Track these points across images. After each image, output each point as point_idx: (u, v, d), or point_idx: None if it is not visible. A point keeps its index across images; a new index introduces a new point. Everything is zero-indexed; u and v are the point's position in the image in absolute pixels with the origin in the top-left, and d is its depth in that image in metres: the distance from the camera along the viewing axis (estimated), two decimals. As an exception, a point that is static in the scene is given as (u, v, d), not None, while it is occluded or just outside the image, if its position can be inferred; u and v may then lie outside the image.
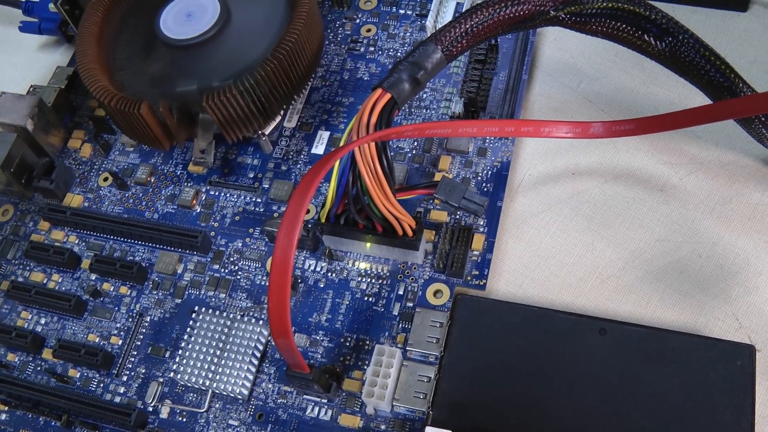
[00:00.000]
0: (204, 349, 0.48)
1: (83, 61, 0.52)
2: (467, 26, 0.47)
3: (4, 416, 0.51)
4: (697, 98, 0.49)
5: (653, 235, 0.51)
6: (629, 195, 0.53)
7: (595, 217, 0.52)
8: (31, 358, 0.53)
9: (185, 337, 0.49)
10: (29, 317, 0.54)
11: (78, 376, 0.51)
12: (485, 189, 0.52)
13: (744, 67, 0.53)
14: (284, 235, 0.38)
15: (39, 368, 0.52)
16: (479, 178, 0.53)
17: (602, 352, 0.45)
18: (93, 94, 0.51)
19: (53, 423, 0.50)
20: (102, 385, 0.51)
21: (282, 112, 0.55)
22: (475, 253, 0.50)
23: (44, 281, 0.55)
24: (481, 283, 0.49)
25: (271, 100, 0.51)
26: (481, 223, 0.51)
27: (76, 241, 0.56)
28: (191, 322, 0.50)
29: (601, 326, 0.46)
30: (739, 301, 0.48)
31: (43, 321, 0.54)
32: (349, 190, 0.45)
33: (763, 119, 0.47)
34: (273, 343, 0.49)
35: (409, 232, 0.47)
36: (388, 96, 0.45)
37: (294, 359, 0.43)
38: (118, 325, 0.52)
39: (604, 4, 0.47)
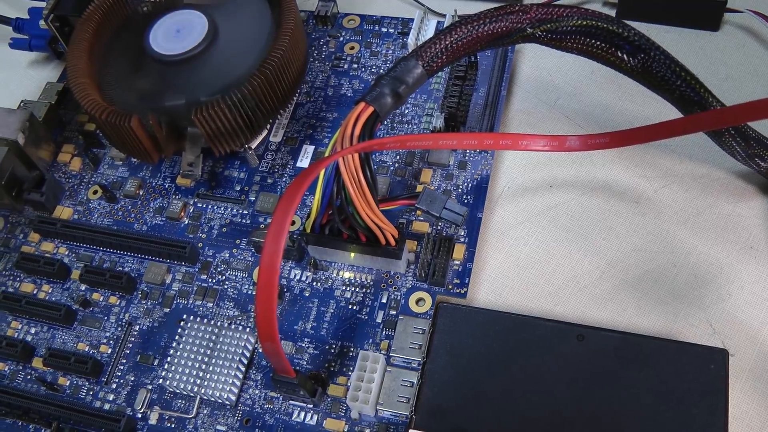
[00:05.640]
0: (192, 356, 0.49)
1: (74, 76, 0.53)
2: (447, 42, 0.48)
3: (-6, 425, 0.52)
4: (671, 113, 0.51)
5: (629, 246, 0.53)
6: (605, 207, 0.54)
7: (573, 228, 0.54)
8: (21, 368, 0.53)
9: (174, 344, 0.50)
10: (19, 327, 0.55)
11: (68, 384, 0.52)
12: (465, 201, 0.54)
13: (716, 83, 0.55)
14: (271, 241, 0.39)
15: (29, 377, 0.53)
16: (459, 190, 0.54)
17: (580, 358, 0.46)
18: (84, 108, 0.52)
19: (43, 430, 0.51)
20: (92, 392, 0.52)
21: (268, 127, 0.57)
22: (456, 262, 0.51)
23: (34, 292, 0.56)
24: (462, 292, 0.50)
25: (257, 114, 0.52)
26: (462, 233, 0.52)
27: (66, 253, 0.57)
28: (179, 330, 0.51)
29: (579, 332, 0.47)
30: (712, 308, 0.50)
31: (33, 331, 0.55)
32: (333, 200, 0.47)
33: (732, 132, 0.49)
34: (260, 351, 0.51)
35: (392, 242, 0.49)
36: (371, 109, 0.46)
37: (280, 364, 0.44)
38: (108, 334, 0.53)
39: (579, 21, 0.49)
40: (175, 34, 0.54)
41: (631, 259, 0.52)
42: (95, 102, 0.52)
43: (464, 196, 0.54)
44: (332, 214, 0.48)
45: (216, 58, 0.53)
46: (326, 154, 0.48)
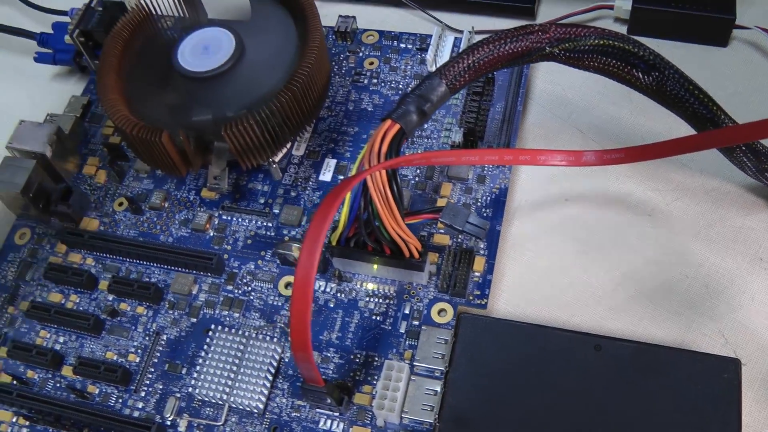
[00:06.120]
0: (221, 365, 0.51)
1: (104, 92, 0.55)
2: (469, 61, 0.50)
3: (24, 431, 0.53)
4: (682, 129, 0.53)
5: (643, 257, 0.54)
6: (620, 220, 0.56)
7: (588, 240, 0.55)
8: (50, 375, 0.55)
9: (202, 353, 0.52)
10: (48, 336, 0.56)
11: (97, 392, 0.54)
12: (485, 214, 0.55)
13: (724, 98, 0.57)
14: (306, 255, 0.41)
15: (58, 384, 0.54)
16: (479, 203, 0.56)
17: (598, 367, 0.48)
18: (114, 124, 0.54)
19: (73, 437, 0.52)
20: (120, 400, 0.53)
21: (291, 141, 0.58)
22: (477, 274, 0.53)
23: (62, 302, 0.57)
24: (483, 303, 0.52)
25: (284, 129, 0.54)
26: (482, 245, 0.54)
27: (93, 263, 0.59)
28: (208, 340, 0.52)
29: (596, 342, 0.49)
30: (724, 318, 0.51)
31: (61, 339, 0.56)
32: (360, 214, 0.48)
33: (743, 148, 0.51)
34: (286, 360, 0.52)
35: (416, 255, 0.50)
36: (397, 126, 0.48)
37: (310, 373, 0.45)
38: (135, 343, 0.55)
39: (596, 41, 0.50)
40: (203, 51, 0.55)
41: (644, 270, 0.54)
42: (126, 118, 0.53)
43: (483, 209, 0.55)
44: (359, 227, 0.49)
45: (243, 75, 0.55)
46: (353, 170, 0.49)
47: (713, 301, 0.52)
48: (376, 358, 0.51)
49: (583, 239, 0.55)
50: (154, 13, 0.59)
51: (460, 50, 0.59)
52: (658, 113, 0.57)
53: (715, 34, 0.63)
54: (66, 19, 0.70)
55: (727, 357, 0.47)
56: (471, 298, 0.52)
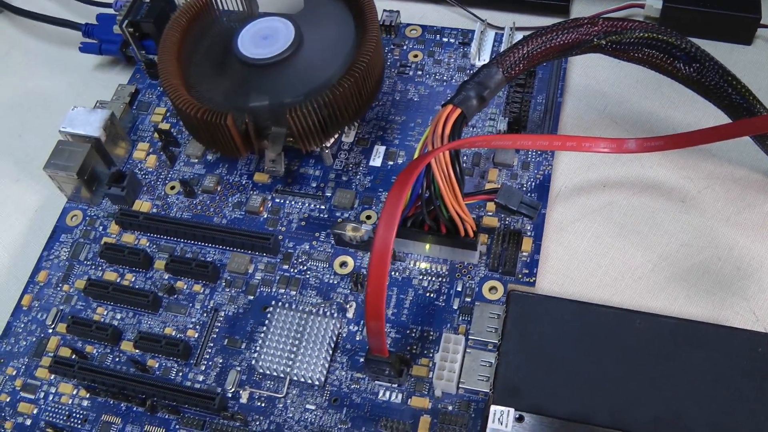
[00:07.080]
0: (282, 340, 0.53)
1: (167, 77, 0.57)
2: (524, 51, 0.53)
3: (85, 402, 0.55)
4: (710, 120, 0.56)
5: (677, 241, 0.57)
6: (654, 205, 0.59)
7: (626, 224, 0.58)
8: (109, 350, 0.57)
9: (263, 329, 0.54)
10: (105, 313, 0.58)
11: (157, 366, 0.56)
12: (530, 198, 0.58)
13: (750, 94, 0.60)
14: (383, 228, 0.43)
15: (117, 359, 0.56)
16: (524, 188, 0.58)
17: (640, 341, 0.50)
18: (178, 107, 0.56)
19: (135, 408, 0.54)
20: (181, 374, 0.55)
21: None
22: (525, 254, 0.56)
23: (117, 280, 0.59)
24: (531, 281, 0.55)
25: (344, 115, 0.56)
26: (529, 227, 0.57)
27: (147, 244, 0.61)
28: (268, 315, 0.54)
29: (638, 318, 0.51)
30: (755, 297, 0.54)
31: (118, 316, 0.58)
32: (422, 193, 0.51)
33: (776, 136, 0.54)
34: (344, 336, 0.54)
35: (470, 233, 0.53)
36: (458, 111, 0.50)
37: (379, 343, 0.48)
38: (194, 319, 0.57)
39: (641, 34, 0.53)
40: (263, 40, 0.58)
41: (679, 253, 0.57)
42: (189, 101, 0.56)
43: (529, 194, 0.58)
44: (420, 206, 0.52)
45: (301, 63, 0.57)
46: (416, 153, 0.52)
47: (744, 281, 0.55)
48: (432, 333, 0.54)
49: (620, 223, 0.58)
50: (210, 2, 0.62)
51: (503, 43, 0.63)
52: (687, 106, 0.61)
53: (741, 32, 0.66)
54: (109, 10, 0.72)
55: (761, 332, 0.50)
56: (520, 276, 0.55)
